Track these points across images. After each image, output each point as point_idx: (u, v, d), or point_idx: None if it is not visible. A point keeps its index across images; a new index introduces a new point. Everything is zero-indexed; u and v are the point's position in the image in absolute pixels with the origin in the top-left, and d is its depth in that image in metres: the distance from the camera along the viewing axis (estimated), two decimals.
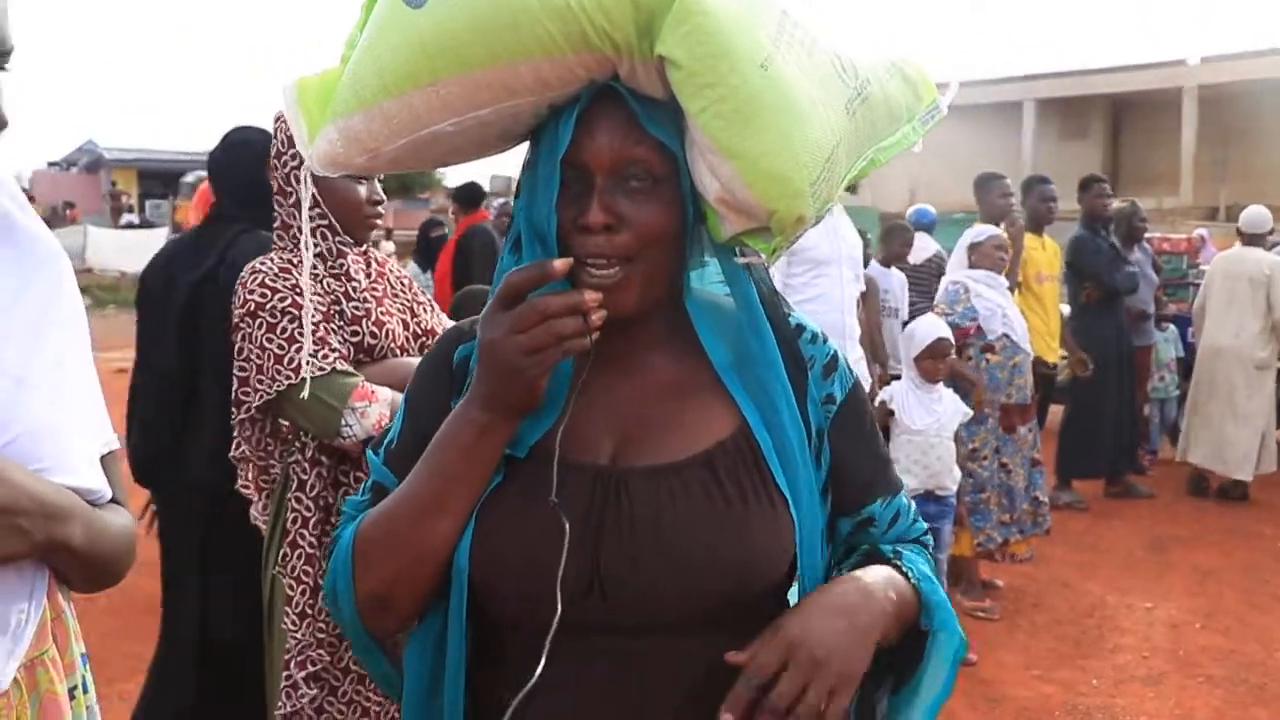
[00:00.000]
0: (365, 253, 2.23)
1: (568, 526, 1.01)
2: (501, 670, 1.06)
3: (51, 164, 36.76)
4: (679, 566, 1.02)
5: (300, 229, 2.10)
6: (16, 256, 1.08)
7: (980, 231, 4.83)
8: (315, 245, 2.12)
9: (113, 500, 1.14)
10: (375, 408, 1.99)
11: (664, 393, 1.11)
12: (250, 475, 2.23)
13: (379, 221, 2.22)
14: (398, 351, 2.17)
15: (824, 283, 4.27)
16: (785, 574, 1.07)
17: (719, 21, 0.97)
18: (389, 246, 11.41)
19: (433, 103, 1.02)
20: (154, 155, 33.20)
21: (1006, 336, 4.59)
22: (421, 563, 1.05)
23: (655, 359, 1.13)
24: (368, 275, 2.21)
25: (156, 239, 23.40)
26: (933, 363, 3.99)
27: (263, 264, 2.11)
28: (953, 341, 4.08)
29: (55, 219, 27.89)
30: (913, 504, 1.21)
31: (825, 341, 1.17)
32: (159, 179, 33.44)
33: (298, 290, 2.06)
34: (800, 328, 1.16)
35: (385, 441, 1.17)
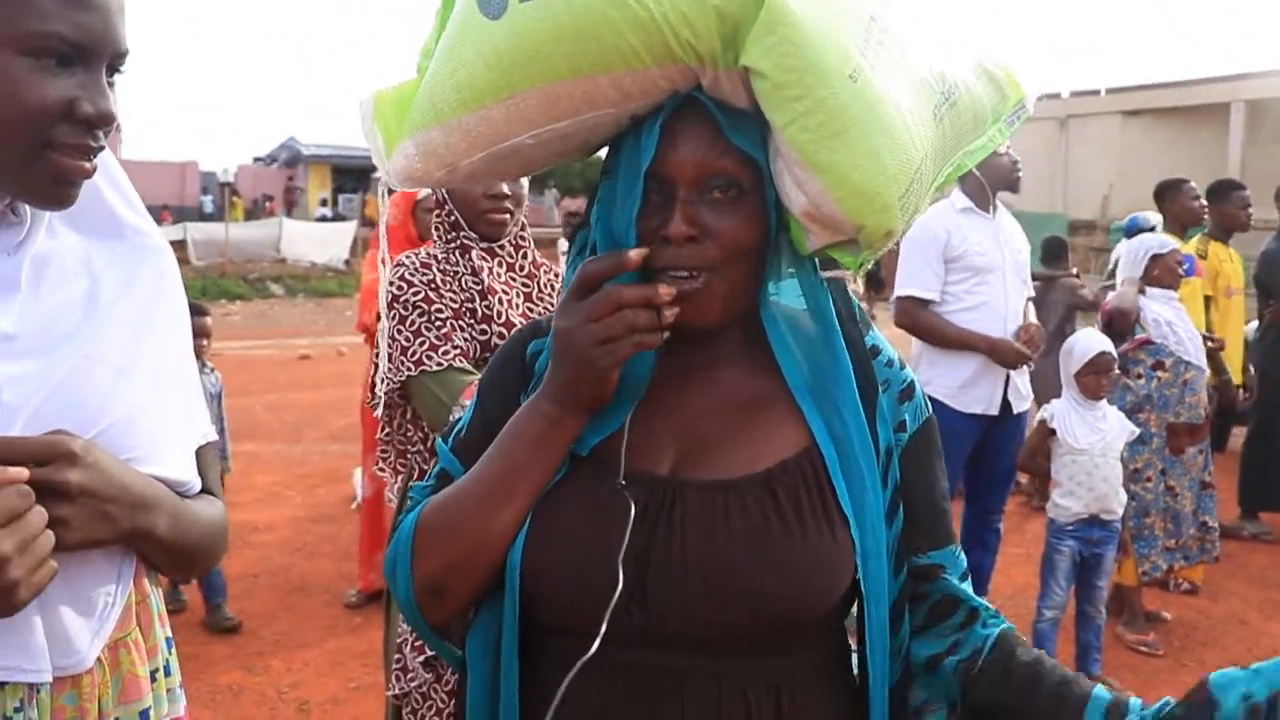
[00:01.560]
0: (498, 250, 2.22)
1: (633, 508, 1.00)
2: (551, 676, 1.03)
3: (256, 159, 39.36)
4: (724, 586, 0.99)
5: (447, 228, 2.18)
6: (125, 250, 1.13)
7: (1164, 243, 4.50)
8: (453, 240, 2.20)
9: (206, 491, 1.19)
10: None
11: (733, 407, 1.09)
12: (391, 458, 2.30)
13: (503, 217, 2.20)
14: None
15: (986, 290, 4.06)
16: (841, 598, 1.04)
17: (806, 33, 0.94)
18: (563, 244, 11.50)
19: (512, 116, 1.01)
20: (347, 151, 34.94)
21: (1173, 353, 4.31)
22: (479, 551, 1.04)
23: (728, 372, 1.10)
24: (494, 273, 2.20)
25: (346, 232, 24.76)
26: (1095, 378, 3.77)
27: (408, 257, 2.19)
28: (1115, 355, 3.85)
29: (256, 211, 29.92)
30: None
31: (902, 367, 1.13)
32: (351, 175, 35.27)
33: (431, 285, 2.13)
34: (876, 349, 1.12)
35: (455, 430, 1.16)
